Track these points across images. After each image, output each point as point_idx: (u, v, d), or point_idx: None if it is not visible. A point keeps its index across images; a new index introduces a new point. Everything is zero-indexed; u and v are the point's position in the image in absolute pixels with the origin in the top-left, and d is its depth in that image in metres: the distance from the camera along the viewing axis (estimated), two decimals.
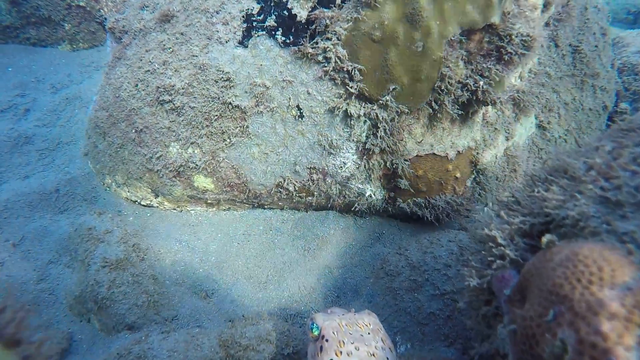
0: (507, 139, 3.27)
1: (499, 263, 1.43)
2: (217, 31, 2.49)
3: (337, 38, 2.36)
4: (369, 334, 1.55)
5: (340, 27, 2.33)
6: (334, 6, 2.36)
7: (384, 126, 2.50)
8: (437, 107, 2.58)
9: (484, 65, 2.55)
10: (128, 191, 3.06)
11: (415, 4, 2.23)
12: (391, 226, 3.09)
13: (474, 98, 2.59)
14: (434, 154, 2.81)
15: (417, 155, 2.77)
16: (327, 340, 1.51)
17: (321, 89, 2.50)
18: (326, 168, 2.72)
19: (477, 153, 3.01)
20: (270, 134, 2.67)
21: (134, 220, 2.95)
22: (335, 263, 2.84)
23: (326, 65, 2.42)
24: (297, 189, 2.85)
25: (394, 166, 2.67)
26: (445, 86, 2.48)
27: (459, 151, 2.90)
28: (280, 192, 2.89)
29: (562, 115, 3.67)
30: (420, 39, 2.33)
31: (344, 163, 2.68)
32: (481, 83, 2.54)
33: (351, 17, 2.32)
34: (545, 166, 1.66)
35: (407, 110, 2.49)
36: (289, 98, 2.55)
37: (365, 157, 2.66)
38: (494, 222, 1.55)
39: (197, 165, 2.81)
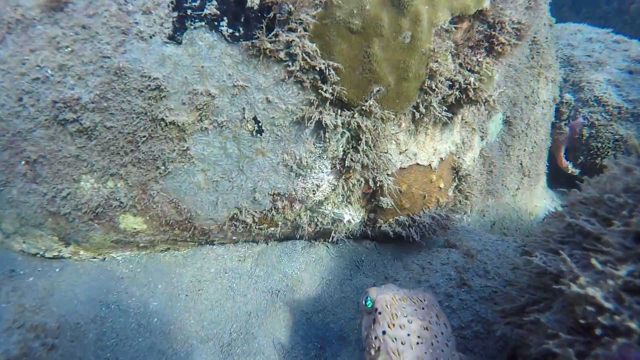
0: (482, 139, 2.90)
1: (619, 343, 0.97)
2: (136, 22, 1.77)
3: (304, 28, 1.77)
4: (423, 309, 1.53)
5: (308, 14, 1.74)
6: None
7: (367, 137, 1.97)
8: (423, 110, 2.11)
9: (473, 58, 2.11)
10: (23, 242, 2.21)
11: None
12: (369, 250, 2.58)
13: (464, 97, 2.15)
14: (417, 164, 2.34)
15: (400, 168, 2.28)
16: (380, 313, 1.50)
17: (285, 95, 1.89)
18: (294, 193, 2.13)
19: (459, 158, 2.60)
20: (220, 156, 2.01)
21: (35, 281, 2.12)
22: (313, 306, 2.26)
23: (291, 64, 1.82)
24: (257, 220, 2.22)
25: (376, 184, 2.16)
26: (435, 85, 2.01)
27: (441, 158, 2.46)
28: (235, 225, 2.24)
29: (524, 109, 3.40)
30: (409, 27, 1.82)
31: (317, 185, 2.11)
32: (472, 79, 2.10)
33: (321, 1, 1.74)
34: None
35: (393, 116, 1.98)
36: (243, 109, 1.92)
37: (343, 176, 2.11)
38: (582, 275, 1.09)
39: (122, 202, 2.07)
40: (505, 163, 3.26)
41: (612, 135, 3.79)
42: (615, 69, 4.25)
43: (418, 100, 2.05)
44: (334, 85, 1.82)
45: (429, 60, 1.94)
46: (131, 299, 2.16)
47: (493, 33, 2.05)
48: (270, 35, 1.78)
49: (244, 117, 1.92)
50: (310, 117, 1.89)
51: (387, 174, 2.15)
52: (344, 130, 1.94)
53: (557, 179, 4.26)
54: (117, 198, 2.04)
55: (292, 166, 2.03)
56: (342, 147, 2.01)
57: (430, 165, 2.38)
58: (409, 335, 1.45)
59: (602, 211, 1.27)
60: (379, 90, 1.87)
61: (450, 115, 2.16)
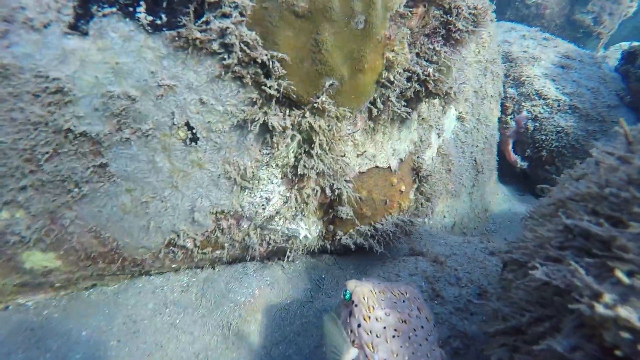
0: (439, 136, 2.73)
1: None
2: (23, 7, 1.38)
3: (241, 13, 1.47)
4: (403, 302, 1.48)
5: None
6: None
7: (322, 140, 1.69)
8: (381, 106, 1.87)
9: (430, 47, 1.91)
10: None
11: None
12: (330, 266, 2.29)
13: (423, 90, 1.95)
14: (377, 167, 2.10)
15: (359, 172, 2.03)
16: (356, 306, 1.44)
17: (222, 95, 1.57)
18: (240, 209, 1.81)
19: (418, 157, 2.40)
20: (148, 172, 1.65)
21: None
22: (271, 337, 1.94)
23: (227, 57, 1.50)
24: (199, 244, 1.87)
25: (334, 192, 1.89)
26: (394, 77, 1.78)
27: (401, 159, 2.24)
28: (173, 252, 1.88)
29: (474, 104, 3.31)
30: (362, 10, 1.57)
31: (267, 199, 1.80)
32: (430, 70, 1.90)
33: None
34: None
35: (349, 113, 1.72)
36: (172, 113, 1.57)
37: (296, 186, 1.82)
38: (605, 291, 0.88)
39: (23, 237, 1.64)
40: (461, 160, 3.13)
41: (555, 128, 3.81)
42: (549, 63, 4.32)
43: (375, 95, 1.81)
44: (279, 80, 1.53)
45: (385, 49, 1.71)
46: (45, 356, 1.73)
47: (450, 19, 1.86)
48: (199, 23, 1.46)
49: (174, 123, 1.58)
50: (253, 120, 1.58)
51: (346, 180, 1.89)
52: (294, 133, 1.66)
53: (504, 174, 4.24)
54: (17, 232, 1.61)
55: (235, 178, 1.71)
56: (293, 152, 1.72)
57: (390, 167, 2.16)
58: (384, 328, 1.39)
59: (605, 209, 1.08)
60: (332, 84, 1.60)
61: (409, 110, 1.95)
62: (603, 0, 7.92)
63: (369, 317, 1.41)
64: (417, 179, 2.42)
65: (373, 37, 1.62)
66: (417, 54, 1.89)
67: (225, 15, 1.46)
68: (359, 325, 1.41)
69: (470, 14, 1.88)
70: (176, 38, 1.47)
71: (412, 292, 1.53)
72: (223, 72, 1.53)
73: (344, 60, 1.60)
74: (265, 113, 1.59)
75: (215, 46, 1.49)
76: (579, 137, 3.76)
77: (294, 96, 1.57)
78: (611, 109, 3.92)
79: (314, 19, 1.50)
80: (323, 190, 1.87)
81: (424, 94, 1.95)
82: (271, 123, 1.58)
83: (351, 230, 2.15)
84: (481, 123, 3.43)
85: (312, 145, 1.69)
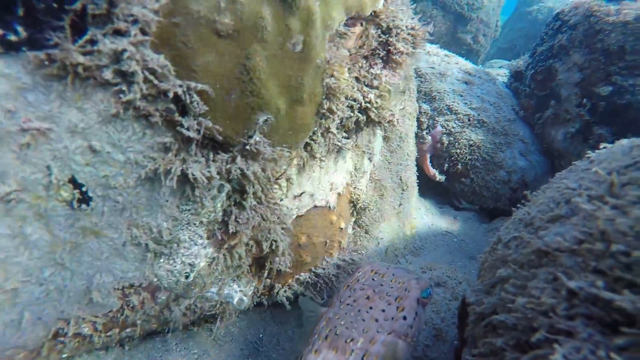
0: (370, 160, 2.52)
1: None
2: None
3: (142, 30, 1.06)
4: (391, 287, 1.53)
5: (145, 6, 1.05)
6: None
7: (256, 188, 1.34)
8: (320, 139, 1.57)
9: (370, 71, 1.66)
10: None
11: None
12: (266, 322, 1.92)
13: (365, 119, 1.69)
14: (315, 206, 1.80)
15: (297, 216, 1.71)
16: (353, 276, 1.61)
17: (122, 139, 1.14)
18: (156, 280, 1.37)
19: (355, 188, 2.15)
20: (14, 249, 1.14)
21: None
22: None
23: (126, 89, 1.09)
24: (100, 327, 1.39)
25: (271, 245, 1.54)
26: (335, 106, 1.49)
27: (339, 193, 1.96)
28: (64, 342, 1.37)
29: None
30: (300, 30, 1.26)
31: (191, 264, 1.38)
32: (371, 97, 1.65)
33: None
34: None
35: (287, 153, 1.39)
36: (47, 167, 1.10)
37: (226, 244, 1.43)
38: None
39: None
40: (389, 181, 2.97)
41: (467, 141, 3.87)
42: (455, 79, 4.42)
43: (316, 128, 1.51)
44: (200, 119, 1.15)
45: (325, 74, 1.42)
46: None
47: (390, 40, 1.64)
48: (82, 42, 1.02)
49: (52, 181, 1.11)
50: (168, 170, 1.18)
51: (283, 228, 1.55)
52: (223, 183, 1.28)
53: (422, 187, 4.23)
54: None
55: (147, 244, 1.27)
56: (221, 205, 1.34)
57: (328, 204, 1.87)
58: (349, 296, 1.51)
59: (615, 270, 0.90)
60: (266, 120, 1.26)
61: (349, 142, 1.68)
62: (478, 23, 8.58)
63: (348, 286, 1.57)
64: (354, 212, 2.17)
65: (312, 61, 1.32)
66: (357, 79, 1.63)
67: (119, 33, 1.05)
68: (337, 290, 1.61)
69: (409, 34, 1.67)
70: (46, 62, 1.02)
71: (408, 286, 1.55)
72: (122, 110, 1.10)
73: (279, 90, 1.27)
74: (184, 160, 1.19)
75: (107, 75, 1.06)
76: (489, 150, 3.87)
77: (220, 137, 1.20)
78: (511, 123, 4.11)
79: (242, 39, 1.15)
80: (258, 243, 1.51)
81: (365, 123, 1.69)
82: (192, 173, 1.19)
83: (290, 281, 1.81)
84: (403, 140, 3.32)
85: (245, 196, 1.32)
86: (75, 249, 1.20)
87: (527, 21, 10.37)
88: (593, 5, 3.37)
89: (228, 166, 1.25)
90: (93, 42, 1.04)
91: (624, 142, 1.47)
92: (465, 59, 8.97)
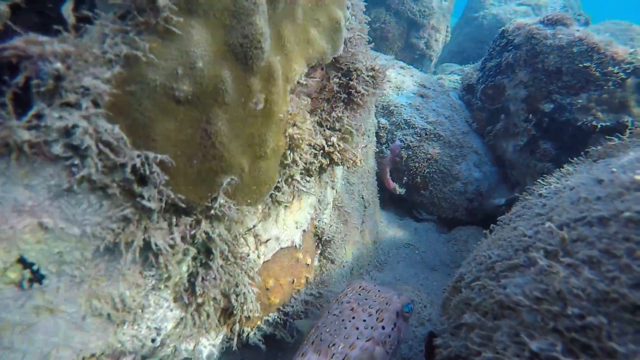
0: (333, 188, 2.52)
1: None
2: None
3: (95, 102, 1.00)
4: (374, 301, 1.68)
5: (98, 77, 0.98)
6: (65, 30, 0.97)
7: (223, 248, 1.30)
8: (285, 188, 1.55)
9: (332, 114, 1.66)
10: None
11: (248, 26, 1.11)
12: None
13: (328, 161, 1.69)
14: (281, 248, 1.78)
15: (264, 262, 1.68)
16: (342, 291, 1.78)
17: (76, 214, 1.07)
18: (120, 346, 1.30)
19: (319, 221, 2.14)
20: None
21: None
22: None
23: (79, 163, 1.02)
24: None
25: (239, 298, 1.50)
26: (299, 156, 1.48)
27: (304, 230, 1.95)
28: None
29: (354, 139, 3.20)
30: (261, 88, 1.23)
31: (157, 328, 1.32)
32: (334, 140, 1.65)
33: (119, 55, 1.00)
34: None
35: (253, 210, 1.36)
36: None
37: (194, 304, 1.38)
38: None
39: None
40: (352, 203, 2.99)
41: (425, 155, 3.97)
42: (411, 93, 4.52)
43: (280, 179, 1.49)
44: (161, 187, 1.10)
45: (287, 126, 1.40)
46: None
47: (350, 82, 1.64)
48: (27, 117, 0.95)
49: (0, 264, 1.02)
50: (129, 242, 1.12)
51: (250, 277, 1.52)
52: (188, 247, 1.23)
53: (383, 200, 4.30)
54: None
55: (110, 313, 1.21)
56: (186, 268, 1.29)
57: (294, 243, 1.85)
58: (336, 308, 1.68)
59: (572, 332, 0.95)
60: (230, 182, 1.23)
61: (313, 186, 1.67)
62: (429, 29, 8.82)
63: (337, 299, 1.72)
64: (319, 244, 2.17)
65: (275, 116, 1.30)
66: (319, 123, 1.62)
67: (69, 105, 0.98)
68: (328, 301, 1.85)
69: (369, 76, 1.69)
70: None
71: (389, 300, 1.69)
72: (75, 184, 1.03)
73: (242, 149, 1.24)
74: (145, 229, 1.13)
75: (57, 149, 0.99)
76: (446, 163, 4.00)
77: (183, 205, 1.16)
78: (465, 135, 4.27)
79: (202, 104, 1.11)
80: (226, 296, 1.47)
81: (328, 165, 1.69)
82: (154, 242, 1.14)
83: (259, 323, 1.78)
84: (365, 158, 3.36)
85: (211, 257, 1.28)
86: (27, 330, 1.11)
87: (473, 26, 10.80)
88: (532, 28, 3.56)
89: (193, 231, 1.20)
90: (39, 116, 0.97)
91: (570, 182, 1.55)
92: (419, 64, 9.18)
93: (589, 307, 0.95)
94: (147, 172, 1.06)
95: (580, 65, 3.29)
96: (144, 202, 1.08)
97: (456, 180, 3.99)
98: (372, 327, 1.60)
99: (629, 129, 2.80)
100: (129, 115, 1.04)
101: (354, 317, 1.63)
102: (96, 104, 1.00)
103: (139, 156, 1.05)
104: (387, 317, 1.63)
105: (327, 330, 1.60)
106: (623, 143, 2.50)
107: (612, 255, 0.99)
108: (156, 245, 1.15)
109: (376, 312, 1.64)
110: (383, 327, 1.61)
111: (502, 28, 4.16)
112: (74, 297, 1.15)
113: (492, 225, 1.86)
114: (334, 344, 1.55)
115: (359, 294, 1.73)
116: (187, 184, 1.15)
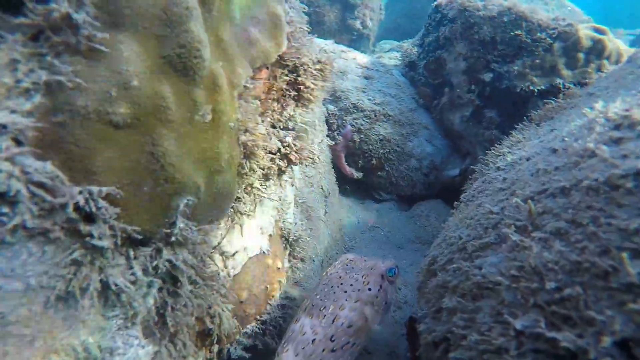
0: (292, 185, 2.47)
1: None
2: None
3: (16, 140, 0.87)
4: (360, 270, 1.86)
5: (15, 110, 0.85)
6: None
7: (190, 273, 1.21)
8: (245, 197, 1.48)
9: (283, 113, 1.59)
10: None
11: (183, 35, 1.01)
12: None
13: (286, 162, 1.62)
14: (249, 258, 1.71)
15: (234, 276, 1.60)
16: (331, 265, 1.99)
17: (15, 267, 0.93)
18: None
19: (284, 222, 2.08)
20: None
21: None
22: None
23: (8, 212, 0.89)
24: None
25: (213, 320, 1.42)
26: (256, 163, 1.40)
27: (270, 234, 1.89)
28: None
29: (309, 136, 3.14)
30: (206, 99, 1.14)
31: None
32: (289, 140, 1.59)
33: (37, 82, 0.88)
34: None
35: (214, 227, 1.28)
36: None
37: (167, 336, 1.29)
38: None
39: None
40: (313, 196, 2.95)
41: (377, 136, 3.99)
42: (355, 76, 4.51)
43: (239, 190, 1.41)
44: (112, 223, 1.00)
45: (239, 133, 1.32)
46: None
47: (298, 78, 1.58)
48: None
49: None
50: (84, 286, 1.01)
51: (222, 295, 1.45)
52: (151, 279, 1.14)
53: (342, 187, 4.30)
54: None
55: None
56: (154, 301, 1.20)
57: (262, 250, 1.79)
58: (326, 279, 1.85)
59: (553, 306, 0.97)
60: (187, 203, 1.14)
61: (273, 190, 1.61)
62: (363, 8, 8.84)
63: (327, 273, 1.91)
64: (287, 245, 2.12)
65: (225, 126, 1.21)
66: (272, 125, 1.55)
67: None
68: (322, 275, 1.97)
69: (317, 69, 1.63)
70: None
71: (374, 266, 1.87)
72: (8, 235, 0.91)
73: (195, 166, 1.15)
74: (100, 269, 1.03)
75: None
76: (398, 141, 4.04)
77: (139, 236, 1.06)
78: (413, 112, 4.33)
79: (145, 126, 1.00)
80: (200, 320, 1.39)
81: (286, 166, 1.63)
82: (113, 282, 1.04)
83: (238, 337, 1.71)
84: (321, 151, 3.32)
85: (179, 284, 1.20)
86: None
87: (405, 1, 10.97)
88: (464, 1, 3.64)
89: (154, 262, 1.11)
90: None
91: (524, 152, 1.60)
92: (358, 44, 9.19)
93: (565, 279, 0.97)
94: (94, 209, 0.95)
95: (512, 33, 3.40)
96: (95, 242, 0.98)
97: (410, 157, 4.06)
98: (359, 290, 1.76)
99: (562, 92, 2.96)
100: (62, 148, 0.92)
101: (342, 283, 1.79)
102: (18, 142, 0.88)
103: (81, 192, 0.94)
104: (372, 280, 1.80)
105: (318, 297, 1.76)
106: (559, 105, 2.63)
107: (578, 225, 1.02)
108: (116, 284, 1.05)
109: (362, 277, 1.81)
110: (369, 289, 1.77)
111: (435, 3, 4.22)
112: (28, 359, 1.03)
113: (455, 203, 1.89)
114: (324, 307, 1.71)
115: (347, 265, 1.91)
116: (140, 213, 1.05)
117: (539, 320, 0.98)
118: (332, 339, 1.64)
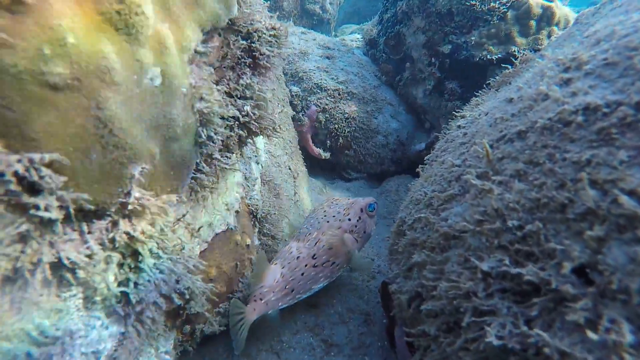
0: (258, 163, 2.43)
1: None
2: None
3: None
4: (342, 203, 2.23)
5: None
6: None
7: (152, 245, 1.16)
8: (206, 168, 1.43)
9: (240, 82, 1.54)
10: None
11: None
12: None
13: (246, 132, 1.58)
14: (216, 234, 1.67)
15: (201, 252, 1.56)
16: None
17: None
18: None
19: (250, 199, 2.05)
20: None
21: None
22: None
23: None
24: None
25: (183, 295, 1.38)
26: (214, 131, 1.36)
27: (237, 211, 1.85)
28: None
29: (269, 105, 3.09)
30: (153, 60, 1.08)
31: (94, 351, 1.15)
32: (248, 109, 1.55)
33: None
34: None
35: (174, 197, 1.23)
36: None
37: (132, 315, 1.23)
38: None
39: None
40: (281, 176, 2.91)
41: (342, 115, 3.99)
42: (317, 56, 4.47)
43: (199, 160, 1.36)
44: (59, 193, 0.94)
45: (193, 100, 1.27)
46: None
47: (252, 45, 1.53)
48: None
49: None
50: (34, 263, 0.95)
51: (191, 269, 1.41)
52: (109, 254, 1.08)
53: (311, 168, 4.28)
54: None
55: (28, 351, 1.03)
56: (114, 277, 1.14)
57: (229, 226, 1.75)
58: (311, 215, 2.26)
59: (515, 244, 0.99)
60: (142, 171, 1.09)
61: (235, 161, 1.57)
62: None
63: (314, 208, 2.33)
64: (255, 222, 2.08)
65: (177, 91, 1.16)
66: (228, 93, 1.50)
67: None
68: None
69: (271, 35, 1.59)
70: None
71: (354, 201, 2.21)
72: None
73: (148, 133, 1.09)
74: (51, 244, 0.97)
75: None
76: (363, 119, 4.05)
77: (91, 206, 1.00)
78: (376, 89, 4.34)
79: (87, 88, 0.94)
80: (167, 297, 1.34)
81: (246, 136, 1.59)
82: (66, 257, 0.98)
83: (210, 316, 1.68)
84: (281, 129, 3.27)
85: (140, 259, 1.15)
86: None
87: None
88: None
89: (111, 234, 1.06)
90: None
91: (483, 108, 1.63)
92: (319, 29, 9.13)
93: (525, 217, 0.99)
94: (36, 178, 0.89)
95: (467, 3, 3.45)
96: (41, 214, 0.92)
97: (376, 134, 4.08)
98: (340, 220, 2.09)
99: (517, 58, 3.03)
100: None
101: (325, 215, 2.12)
102: None
103: (19, 161, 0.87)
104: (352, 212, 2.12)
105: (305, 226, 2.13)
106: (515, 70, 2.70)
107: (535, 164, 1.04)
108: (69, 259, 0.99)
109: (344, 210, 2.14)
110: (349, 219, 2.09)
111: None
112: None
113: (420, 166, 1.91)
114: (309, 233, 2.04)
115: (331, 202, 2.25)
116: (90, 182, 0.99)
117: (503, 260, 1.00)
118: (314, 257, 1.96)
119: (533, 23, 3.40)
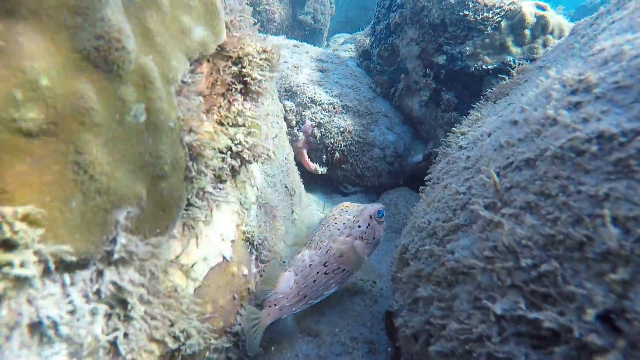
0: (253, 185, 2.35)
1: None
2: None
3: None
4: (352, 211, 2.31)
5: None
6: None
7: (141, 292, 1.09)
8: (197, 202, 1.36)
9: (231, 109, 1.48)
10: None
11: (99, 23, 0.88)
12: None
13: (240, 162, 1.51)
14: (211, 268, 1.59)
15: (195, 289, 1.48)
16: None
17: None
18: None
19: (246, 226, 1.97)
20: None
21: None
22: None
23: None
24: None
25: (177, 339, 1.30)
26: (205, 165, 1.29)
27: (232, 240, 1.78)
28: None
29: (262, 131, 3.03)
30: (137, 97, 1.01)
31: None
32: (240, 137, 1.48)
33: None
34: None
35: (164, 239, 1.16)
36: None
37: None
38: None
39: None
40: (276, 195, 2.84)
41: (338, 129, 3.93)
42: (310, 70, 4.42)
43: (189, 195, 1.29)
44: (37, 247, 0.86)
45: (182, 134, 1.20)
46: None
47: (243, 70, 1.47)
48: None
49: None
50: (12, 324, 0.87)
51: (186, 311, 1.33)
52: (95, 306, 1.00)
53: (308, 183, 4.21)
54: None
55: None
56: (101, 329, 1.06)
57: (224, 258, 1.68)
58: (323, 223, 2.32)
59: (531, 284, 0.92)
60: (128, 215, 1.01)
61: (229, 193, 1.50)
62: (314, 3, 8.80)
63: (326, 216, 2.38)
64: (252, 250, 2.01)
65: (163, 126, 1.09)
66: (219, 122, 1.44)
67: None
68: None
69: (262, 59, 1.53)
70: None
71: (364, 209, 2.26)
72: None
73: (134, 174, 1.02)
74: (29, 301, 0.89)
75: None
76: (359, 132, 3.99)
77: (72, 258, 0.93)
78: (371, 101, 4.29)
79: (65, 132, 0.87)
80: (161, 342, 1.26)
81: (240, 165, 1.52)
82: (45, 315, 0.90)
83: (207, 354, 1.59)
84: (277, 147, 3.21)
85: (129, 307, 1.07)
86: None
87: None
88: None
89: (95, 286, 0.98)
90: None
91: (485, 128, 1.57)
92: (311, 40, 9.11)
93: (540, 255, 0.92)
94: (9, 234, 0.81)
95: (460, 14, 3.42)
96: (16, 271, 0.84)
97: (373, 147, 4.02)
98: (350, 227, 2.15)
99: (513, 68, 2.99)
100: None
101: (336, 223, 2.20)
102: None
103: None
104: (362, 219, 2.18)
105: (317, 234, 2.21)
106: (513, 80, 2.65)
107: (547, 196, 0.98)
108: (49, 318, 0.91)
109: (354, 217, 2.20)
110: (359, 226, 2.15)
111: None
112: None
113: (421, 187, 1.85)
114: (321, 241, 2.13)
115: (342, 209, 2.33)
116: (71, 232, 0.92)
117: (518, 302, 0.93)
118: (326, 264, 2.04)
119: (527, 32, 3.37)
